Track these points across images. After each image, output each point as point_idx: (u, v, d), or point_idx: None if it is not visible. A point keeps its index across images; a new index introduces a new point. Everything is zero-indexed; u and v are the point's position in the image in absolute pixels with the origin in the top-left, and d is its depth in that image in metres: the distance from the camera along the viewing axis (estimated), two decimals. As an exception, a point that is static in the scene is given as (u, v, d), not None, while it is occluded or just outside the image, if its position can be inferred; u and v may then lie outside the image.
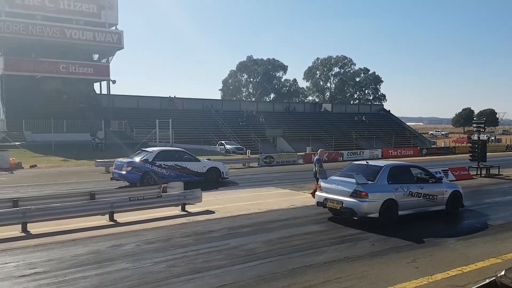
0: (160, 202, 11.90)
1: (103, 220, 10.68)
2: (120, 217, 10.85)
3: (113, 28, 44.96)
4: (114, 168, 17.50)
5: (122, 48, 44.77)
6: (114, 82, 45.01)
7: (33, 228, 9.68)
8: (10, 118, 37.16)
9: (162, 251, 8.18)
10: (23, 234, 9.40)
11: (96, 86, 48.21)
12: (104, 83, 46.24)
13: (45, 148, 31.61)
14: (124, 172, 16.58)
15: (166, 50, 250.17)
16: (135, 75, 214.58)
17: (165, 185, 13.82)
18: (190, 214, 11.64)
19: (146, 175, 16.54)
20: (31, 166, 24.75)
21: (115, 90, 46.80)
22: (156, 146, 22.69)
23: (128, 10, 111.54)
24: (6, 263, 7.38)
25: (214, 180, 17.96)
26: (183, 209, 12.00)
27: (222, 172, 18.49)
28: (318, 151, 15.09)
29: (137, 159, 17.12)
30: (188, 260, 7.61)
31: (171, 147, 21.10)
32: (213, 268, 7.17)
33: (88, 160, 27.19)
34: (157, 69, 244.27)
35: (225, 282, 6.52)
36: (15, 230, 9.46)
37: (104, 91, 46.37)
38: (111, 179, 17.46)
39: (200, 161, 18.22)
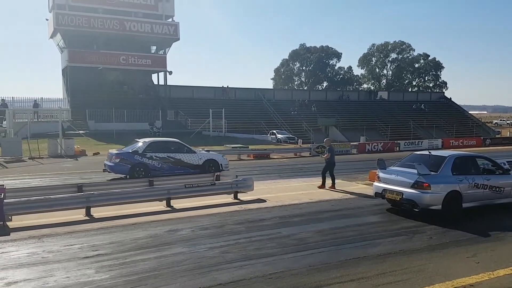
0: (214, 189, 12.20)
1: (161, 205, 11.12)
2: (176, 203, 11.24)
3: (170, 20, 46.13)
4: (106, 159, 16.66)
5: (178, 39, 45.90)
6: (170, 73, 46.35)
7: (96, 212, 10.25)
8: (74, 108, 39.38)
9: (216, 237, 8.37)
10: (86, 217, 9.97)
11: (154, 77, 49.88)
12: (161, 74, 47.77)
13: (107, 137, 33.27)
14: (112, 164, 15.82)
15: (219, 40, 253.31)
16: (190, 65, 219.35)
17: (218, 173, 14.12)
18: (242, 202, 11.81)
19: (136, 167, 15.65)
20: (94, 154, 26.17)
21: (171, 80, 48.15)
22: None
23: (182, 1, 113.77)
24: (71, 245, 7.87)
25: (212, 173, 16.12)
26: (235, 197, 12.21)
27: (221, 164, 17.20)
28: (326, 140, 15.49)
29: (127, 150, 16.30)
30: (240, 247, 7.74)
31: (168, 138, 19.19)
32: (265, 256, 7.24)
33: (146, 148, 28.24)
34: (210, 59, 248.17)
35: (276, 269, 6.57)
36: (79, 214, 10.06)
37: (161, 82, 47.91)
38: (103, 170, 16.49)
39: (196, 152, 17.14)
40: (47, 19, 44.86)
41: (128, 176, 15.44)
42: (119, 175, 16.16)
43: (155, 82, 49.53)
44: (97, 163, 21.81)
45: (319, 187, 14.11)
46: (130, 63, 44.11)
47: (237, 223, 9.53)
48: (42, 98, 39.82)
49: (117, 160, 15.71)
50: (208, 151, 18.93)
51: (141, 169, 15.73)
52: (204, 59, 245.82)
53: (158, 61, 46.15)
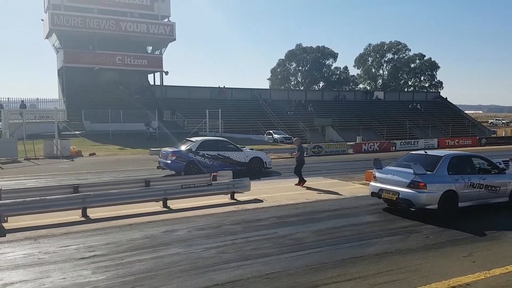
0: (210, 190, 12.17)
1: (157, 206, 11.10)
2: (172, 204, 11.22)
3: (166, 20, 46.07)
4: (160, 157, 17.80)
5: (174, 39, 45.85)
6: (166, 73, 46.40)
7: (92, 213, 10.21)
8: (70, 109, 39.23)
9: (213, 238, 8.36)
10: (83, 218, 9.93)
11: (150, 77, 49.77)
12: (157, 74, 47.72)
13: (103, 137, 33.17)
14: (169, 161, 16.89)
15: (215, 41, 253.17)
16: (186, 65, 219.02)
17: (215, 173, 14.11)
18: (239, 202, 11.81)
19: (190, 164, 16.75)
20: (90, 154, 26.09)
21: (167, 81, 48.17)
22: (206, 136, 22.90)
23: (178, 1, 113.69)
24: (68, 246, 7.84)
25: (257, 170, 18.05)
26: (232, 197, 12.20)
27: (265, 162, 18.60)
28: (295, 140, 16.11)
29: (181, 148, 17.38)
30: (237, 247, 7.73)
31: (216, 137, 21.05)
32: (261, 256, 7.24)
33: (143, 148, 28.23)
34: (206, 60, 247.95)
35: (273, 270, 6.57)
36: (75, 215, 10.01)
37: (158, 82, 47.87)
38: (158, 167, 17.71)
39: (242, 151, 18.33)
40: (42, 20, 44.70)
41: (183, 173, 16.26)
42: (173, 172, 17.12)
43: (151, 83, 49.46)
44: (93, 164, 21.78)
45: (296, 185, 14.54)
46: (126, 64, 44.04)
47: (234, 223, 9.52)
48: (37, 98, 39.63)
49: (173, 158, 16.77)
50: (252, 149, 20.11)
51: (195, 166, 16.77)
52: (200, 59, 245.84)
53: (154, 61, 46.10)
